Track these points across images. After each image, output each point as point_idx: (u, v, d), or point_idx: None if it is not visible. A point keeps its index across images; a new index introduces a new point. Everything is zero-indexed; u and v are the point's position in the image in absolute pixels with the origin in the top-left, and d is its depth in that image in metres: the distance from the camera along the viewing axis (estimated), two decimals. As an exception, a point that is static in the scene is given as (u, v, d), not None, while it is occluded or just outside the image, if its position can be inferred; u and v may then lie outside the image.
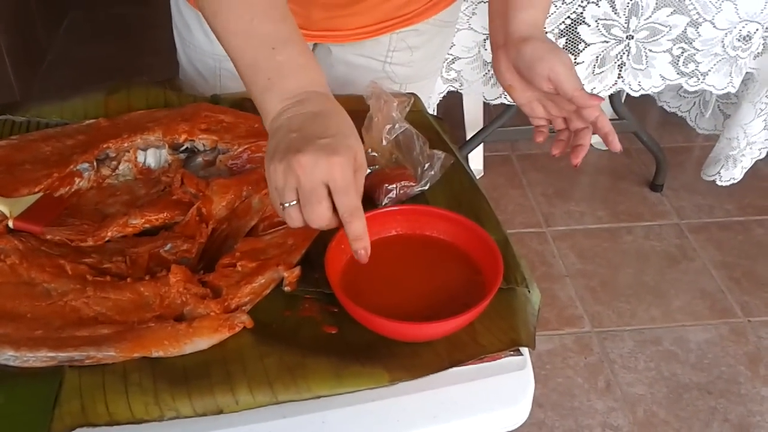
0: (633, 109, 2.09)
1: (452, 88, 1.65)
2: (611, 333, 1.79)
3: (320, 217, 0.62)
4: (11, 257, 0.68)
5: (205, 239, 0.71)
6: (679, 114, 2.36)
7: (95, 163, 0.80)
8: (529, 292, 0.72)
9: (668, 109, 2.40)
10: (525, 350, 0.67)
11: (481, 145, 2.01)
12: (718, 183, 1.92)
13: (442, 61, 1.20)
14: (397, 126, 0.85)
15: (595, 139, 2.57)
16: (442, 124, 0.96)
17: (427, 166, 0.84)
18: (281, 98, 0.67)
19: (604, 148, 2.52)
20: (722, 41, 1.54)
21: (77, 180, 0.79)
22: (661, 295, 1.88)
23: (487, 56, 1.57)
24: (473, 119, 1.99)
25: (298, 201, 0.62)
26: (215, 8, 0.71)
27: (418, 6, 1.00)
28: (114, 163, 0.81)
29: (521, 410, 0.64)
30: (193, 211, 0.73)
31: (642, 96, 1.79)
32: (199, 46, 1.03)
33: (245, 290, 0.65)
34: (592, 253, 2.00)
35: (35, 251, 0.69)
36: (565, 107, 0.89)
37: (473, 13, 1.49)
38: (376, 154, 0.83)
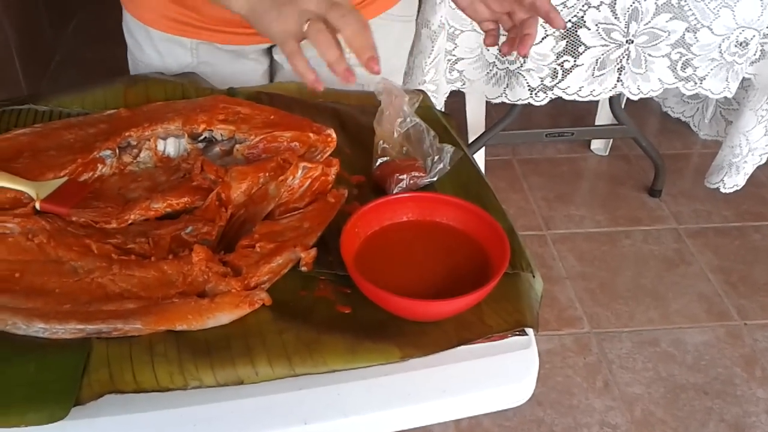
0: (633, 116, 2.13)
1: (455, 88, 1.69)
2: (610, 334, 1.82)
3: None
4: (39, 236, 0.71)
5: (224, 222, 0.74)
6: (683, 119, 2.41)
7: (117, 151, 0.83)
8: (533, 277, 0.75)
9: (672, 114, 2.44)
10: (530, 331, 0.70)
11: (483, 149, 2.04)
12: (722, 190, 1.95)
13: (405, 59, 1.20)
14: (408, 120, 0.88)
15: (595, 145, 2.58)
16: (450, 120, 0.99)
17: (436, 158, 0.86)
18: None
19: (604, 153, 2.54)
20: (719, 47, 1.58)
21: (100, 166, 0.81)
22: (659, 297, 1.91)
23: (490, 57, 1.61)
24: (475, 123, 2.02)
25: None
26: None
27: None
28: (135, 150, 0.84)
29: (526, 387, 0.67)
30: (213, 196, 0.76)
31: (642, 102, 1.83)
32: (151, 63, 1.06)
33: (264, 269, 0.68)
34: (592, 256, 2.03)
35: (62, 231, 0.72)
36: (506, 1, 0.91)
37: (478, 17, 1.53)
38: (387, 146, 0.86)
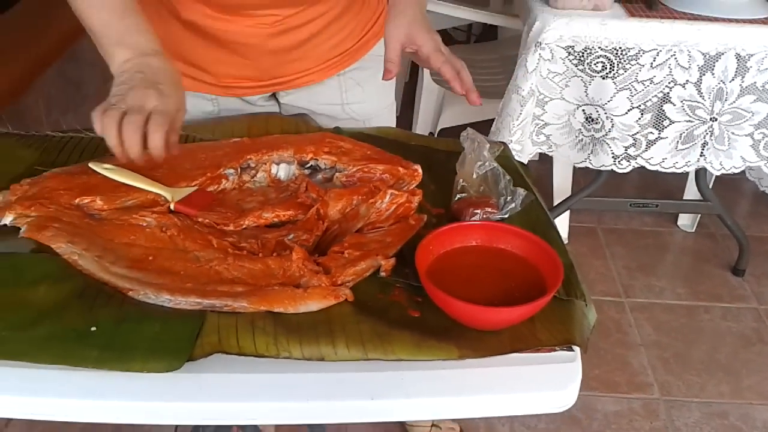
0: (724, 195, 2.17)
1: (541, 151, 1.80)
2: (679, 402, 1.84)
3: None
4: (171, 230, 0.87)
5: (320, 233, 0.88)
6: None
7: (239, 170, 0.99)
8: (586, 306, 0.84)
9: (769, 194, 2.46)
10: (576, 348, 0.80)
11: (567, 213, 2.13)
12: None
13: (393, 96, 1.30)
14: (486, 164, 0.99)
15: (681, 221, 2.61)
16: (527, 170, 1.10)
17: (509, 199, 0.97)
18: (130, 50, 0.91)
19: (691, 230, 2.55)
20: (801, 130, 1.64)
21: (224, 181, 0.97)
22: (732, 373, 1.92)
23: (576, 124, 1.71)
24: (562, 187, 2.12)
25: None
26: None
27: (352, 43, 1.16)
28: (253, 171, 0.99)
29: (569, 395, 0.76)
30: (313, 211, 0.90)
31: (736, 184, 1.87)
32: None
33: (350, 271, 0.81)
34: (669, 327, 2.07)
35: (189, 228, 0.88)
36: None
37: (566, 86, 1.65)
38: (466, 185, 0.98)
